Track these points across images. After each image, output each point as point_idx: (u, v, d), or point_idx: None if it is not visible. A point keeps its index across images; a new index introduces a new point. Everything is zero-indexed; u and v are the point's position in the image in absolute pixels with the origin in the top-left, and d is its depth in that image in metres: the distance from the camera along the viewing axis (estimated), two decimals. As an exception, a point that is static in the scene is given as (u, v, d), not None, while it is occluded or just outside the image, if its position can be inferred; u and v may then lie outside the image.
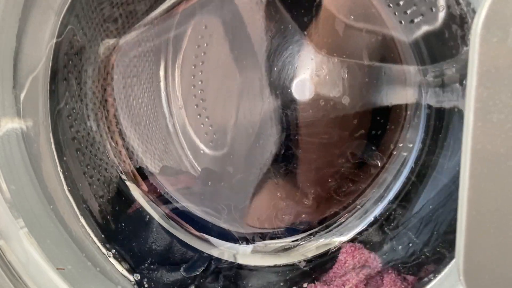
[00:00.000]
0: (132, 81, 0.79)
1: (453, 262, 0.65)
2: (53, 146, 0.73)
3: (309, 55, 0.76)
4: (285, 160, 0.79)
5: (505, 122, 0.44)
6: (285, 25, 0.75)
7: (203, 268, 0.76)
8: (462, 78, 0.64)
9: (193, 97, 0.83)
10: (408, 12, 0.69)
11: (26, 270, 0.66)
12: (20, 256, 0.66)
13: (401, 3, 0.69)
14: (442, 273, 0.65)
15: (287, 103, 0.77)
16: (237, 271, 0.78)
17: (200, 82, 0.82)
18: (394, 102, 0.76)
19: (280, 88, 0.77)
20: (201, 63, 0.81)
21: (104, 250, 0.75)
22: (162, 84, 0.84)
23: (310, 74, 0.76)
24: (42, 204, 0.71)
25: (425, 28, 0.67)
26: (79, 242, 0.74)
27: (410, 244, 0.71)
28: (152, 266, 0.76)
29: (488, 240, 0.47)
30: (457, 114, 0.67)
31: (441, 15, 0.63)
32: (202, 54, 0.81)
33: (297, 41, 0.76)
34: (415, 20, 0.68)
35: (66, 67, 0.73)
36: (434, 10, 0.64)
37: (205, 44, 0.80)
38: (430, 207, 0.70)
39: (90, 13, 0.72)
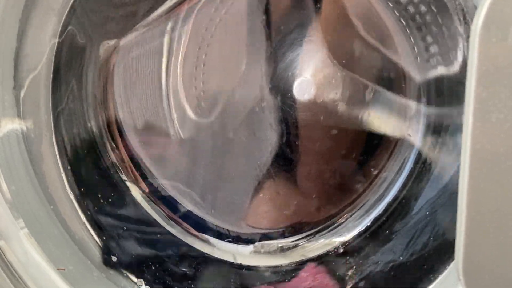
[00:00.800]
0: (133, 80, 0.79)
1: (452, 262, 0.65)
2: (53, 147, 0.73)
3: (312, 57, 0.76)
4: (279, 158, 0.79)
5: (505, 121, 0.44)
6: (290, 23, 0.75)
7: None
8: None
9: (194, 88, 0.82)
10: (429, 50, 0.68)
11: (26, 271, 0.66)
12: (21, 257, 0.66)
13: (428, 39, 0.68)
14: (442, 274, 0.65)
15: (284, 98, 0.76)
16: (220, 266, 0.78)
17: (202, 73, 0.81)
18: (386, 129, 0.76)
19: (278, 82, 0.76)
20: (204, 56, 0.80)
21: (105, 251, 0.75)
22: (163, 81, 0.83)
23: (311, 75, 0.76)
24: (42, 204, 0.71)
25: (440, 71, 0.67)
26: (80, 242, 0.74)
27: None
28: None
29: (488, 240, 0.47)
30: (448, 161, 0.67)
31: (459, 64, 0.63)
32: (206, 47, 0.80)
33: (301, 40, 0.75)
34: (432, 61, 0.68)
35: (67, 68, 0.73)
36: (452, 57, 0.64)
37: (209, 37, 0.79)
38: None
39: (90, 14, 0.72)
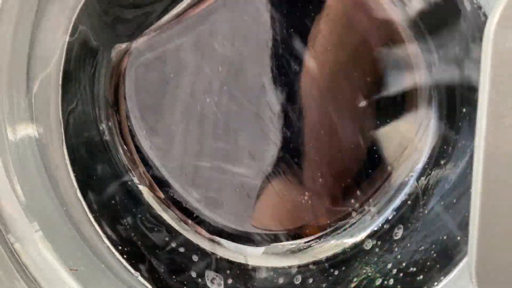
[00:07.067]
0: (144, 84, 0.79)
1: (463, 263, 0.65)
2: (64, 149, 0.74)
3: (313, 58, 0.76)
4: (286, 158, 0.79)
5: (518, 126, 0.44)
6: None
7: None
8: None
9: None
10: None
11: (40, 272, 0.67)
12: (35, 259, 0.67)
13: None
14: (452, 275, 0.66)
15: (289, 97, 0.76)
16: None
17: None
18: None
19: (283, 86, 0.76)
20: (210, 61, 0.80)
21: (116, 253, 0.76)
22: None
23: (316, 76, 0.76)
24: (55, 207, 0.71)
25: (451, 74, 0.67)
26: (92, 244, 0.74)
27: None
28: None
29: (502, 242, 0.47)
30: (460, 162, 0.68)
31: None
32: (212, 54, 0.80)
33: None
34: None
35: (78, 69, 0.73)
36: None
37: (214, 46, 0.80)
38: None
39: (103, 16, 0.72)
